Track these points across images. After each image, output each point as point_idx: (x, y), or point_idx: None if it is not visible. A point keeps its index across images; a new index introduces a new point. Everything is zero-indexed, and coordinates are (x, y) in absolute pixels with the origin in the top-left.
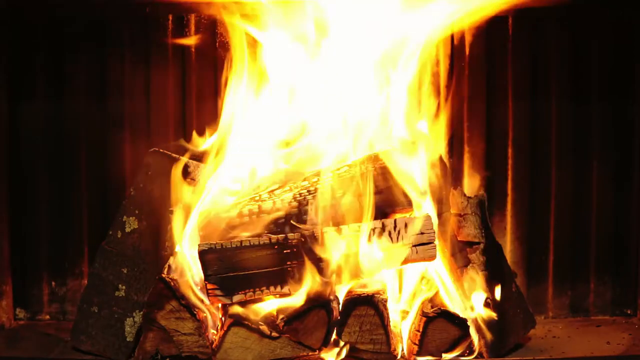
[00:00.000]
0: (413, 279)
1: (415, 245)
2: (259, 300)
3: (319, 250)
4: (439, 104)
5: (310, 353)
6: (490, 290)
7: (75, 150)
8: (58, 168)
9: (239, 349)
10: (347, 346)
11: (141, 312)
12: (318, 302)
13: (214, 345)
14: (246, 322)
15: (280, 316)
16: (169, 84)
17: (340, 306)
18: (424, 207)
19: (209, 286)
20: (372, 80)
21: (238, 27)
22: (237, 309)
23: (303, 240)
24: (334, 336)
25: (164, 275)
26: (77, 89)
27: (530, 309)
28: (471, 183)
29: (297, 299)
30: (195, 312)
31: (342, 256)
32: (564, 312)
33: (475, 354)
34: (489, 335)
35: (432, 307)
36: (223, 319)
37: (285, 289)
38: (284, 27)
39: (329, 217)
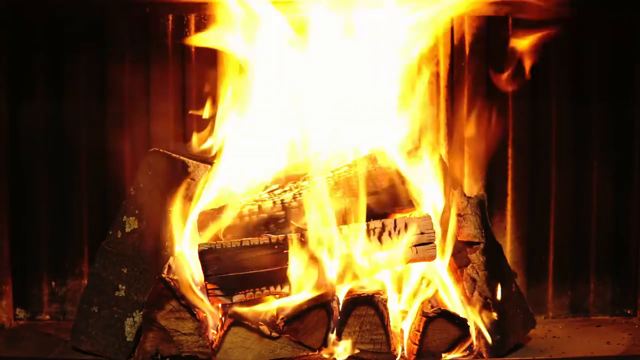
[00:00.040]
0: (413, 279)
1: (415, 245)
2: (259, 300)
3: (319, 250)
4: (438, 104)
5: (310, 353)
6: (490, 290)
7: (75, 150)
8: (58, 168)
9: (239, 349)
10: (350, 343)
11: (141, 312)
12: (318, 302)
13: (214, 345)
14: (246, 322)
15: (280, 316)
16: (169, 84)
17: (340, 306)
18: (424, 207)
19: (209, 286)
20: (372, 80)
21: (236, 27)
22: (237, 309)
23: (303, 240)
24: (334, 336)
25: (164, 275)
26: (77, 89)
27: (530, 309)
28: (471, 183)
29: (297, 298)
30: (195, 312)
31: (342, 256)
32: (564, 312)
33: (475, 354)
34: (488, 335)
35: (432, 307)
36: (223, 319)
37: (285, 289)
38: (283, 27)
39: (329, 217)
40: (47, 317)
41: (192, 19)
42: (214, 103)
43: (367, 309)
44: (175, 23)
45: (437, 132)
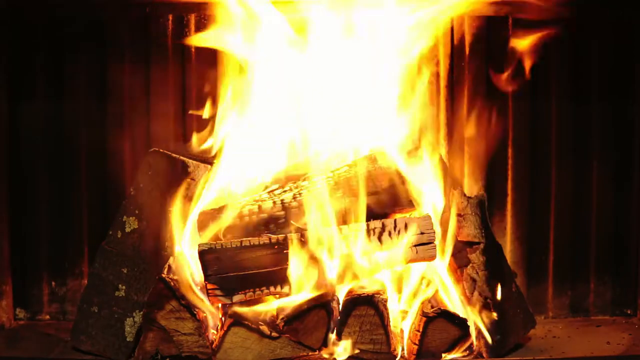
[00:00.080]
0: (413, 279)
1: (415, 245)
2: (259, 300)
3: (319, 251)
4: (438, 104)
5: (310, 353)
6: (490, 290)
7: (75, 150)
8: (58, 168)
9: (239, 349)
10: (350, 343)
11: (141, 312)
12: (318, 302)
13: (214, 345)
14: (246, 322)
15: (280, 316)
16: (169, 84)
17: (340, 306)
18: (424, 207)
19: (209, 286)
20: (372, 80)
21: (236, 27)
22: (237, 309)
23: (303, 240)
24: (334, 336)
25: (164, 275)
26: (77, 89)
27: (530, 309)
28: (471, 183)
29: (297, 298)
30: (195, 312)
31: (342, 256)
32: (564, 312)
33: (475, 354)
34: (488, 335)
35: (432, 307)
36: (223, 319)
37: (285, 289)
38: (283, 27)
39: (329, 217)
40: (47, 317)
41: (192, 19)
42: (214, 103)
43: (367, 309)
44: (175, 23)
45: (437, 132)
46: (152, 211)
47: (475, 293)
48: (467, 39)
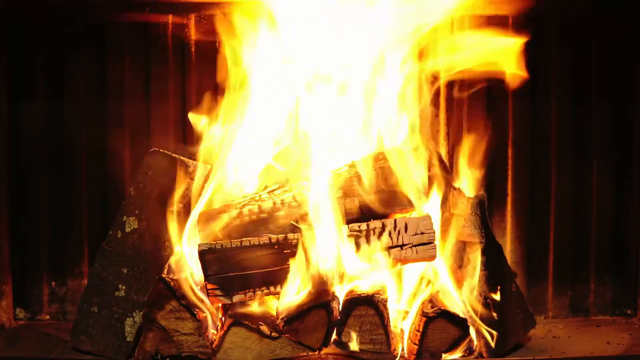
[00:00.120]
0: (413, 279)
1: (415, 245)
2: (259, 300)
3: (319, 251)
4: (438, 104)
5: (310, 353)
6: (490, 290)
7: (75, 150)
8: (58, 168)
9: (239, 349)
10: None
11: (141, 312)
12: (318, 302)
13: (214, 345)
14: (246, 322)
15: (280, 316)
16: (169, 84)
17: (340, 306)
18: (424, 207)
19: (209, 286)
20: (372, 80)
21: (236, 27)
22: (237, 309)
23: (303, 240)
24: (334, 336)
25: (164, 275)
26: (77, 89)
27: (530, 309)
28: (471, 183)
29: (297, 298)
30: (195, 312)
31: (342, 256)
32: (564, 312)
33: (475, 354)
34: (488, 335)
35: (432, 307)
36: (223, 319)
37: (285, 289)
38: (283, 27)
39: (329, 217)
40: (47, 317)
41: (192, 19)
42: (214, 103)
43: (367, 309)
44: (175, 23)
45: (437, 132)
46: (152, 211)
47: (475, 293)
48: None
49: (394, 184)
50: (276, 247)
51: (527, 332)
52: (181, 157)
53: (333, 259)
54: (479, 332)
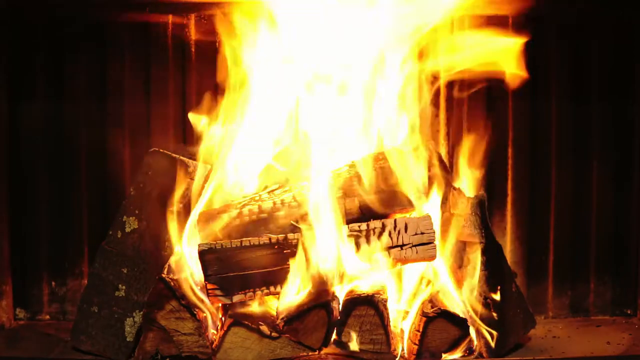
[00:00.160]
0: (413, 279)
1: (415, 245)
2: (259, 300)
3: (319, 251)
4: (438, 104)
5: (310, 353)
6: (491, 290)
7: (75, 150)
8: (58, 168)
9: (239, 349)
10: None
11: (141, 312)
12: (318, 302)
13: (214, 345)
14: (246, 322)
15: (280, 316)
16: (169, 84)
17: (340, 306)
18: (424, 207)
19: (209, 286)
20: (372, 80)
21: (236, 27)
22: (237, 309)
23: (303, 240)
24: (334, 336)
25: (164, 275)
26: (77, 89)
27: (530, 309)
28: (471, 183)
29: (297, 298)
30: (195, 312)
31: (342, 256)
32: (564, 312)
33: (475, 354)
34: (488, 335)
35: (432, 307)
36: (223, 319)
37: (286, 289)
38: (283, 28)
39: (329, 217)
40: (47, 317)
41: (192, 19)
42: (214, 103)
43: (367, 309)
44: (175, 23)
45: (437, 132)
46: (152, 211)
47: (475, 293)
48: None
49: (394, 184)
50: (276, 247)
51: (527, 332)
52: (181, 157)
53: (333, 259)
54: (479, 332)
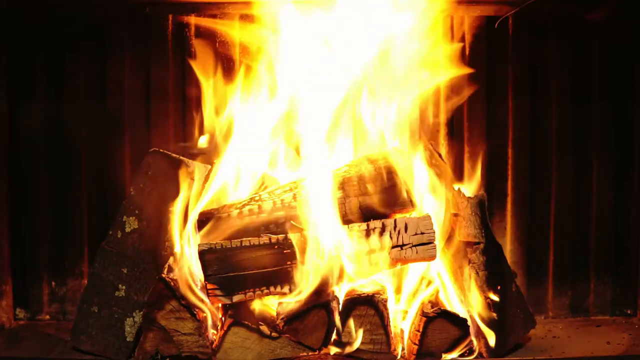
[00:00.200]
0: (413, 279)
1: (415, 245)
2: (259, 300)
3: (319, 251)
4: (438, 104)
5: (310, 353)
6: (490, 290)
7: (75, 150)
8: (58, 168)
9: (239, 349)
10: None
11: (141, 312)
12: (318, 302)
13: (214, 345)
14: (246, 322)
15: (280, 316)
16: (169, 84)
17: (340, 306)
18: (424, 207)
19: (209, 286)
20: (372, 80)
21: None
22: (237, 309)
23: (303, 240)
24: (334, 336)
25: (164, 275)
26: (77, 88)
27: (530, 309)
28: (471, 183)
29: (297, 298)
30: (195, 312)
31: (342, 256)
32: (564, 312)
33: (475, 354)
34: (488, 336)
35: (432, 307)
36: (223, 319)
37: (285, 289)
38: (283, 28)
39: (329, 217)
40: (47, 317)
41: (192, 18)
42: (214, 103)
43: (367, 309)
44: (175, 23)
45: (437, 132)
46: (152, 211)
47: (476, 293)
48: (467, 39)
49: (395, 183)
50: (276, 247)
51: (527, 332)
52: (181, 157)
53: (333, 259)
54: (479, 332)
